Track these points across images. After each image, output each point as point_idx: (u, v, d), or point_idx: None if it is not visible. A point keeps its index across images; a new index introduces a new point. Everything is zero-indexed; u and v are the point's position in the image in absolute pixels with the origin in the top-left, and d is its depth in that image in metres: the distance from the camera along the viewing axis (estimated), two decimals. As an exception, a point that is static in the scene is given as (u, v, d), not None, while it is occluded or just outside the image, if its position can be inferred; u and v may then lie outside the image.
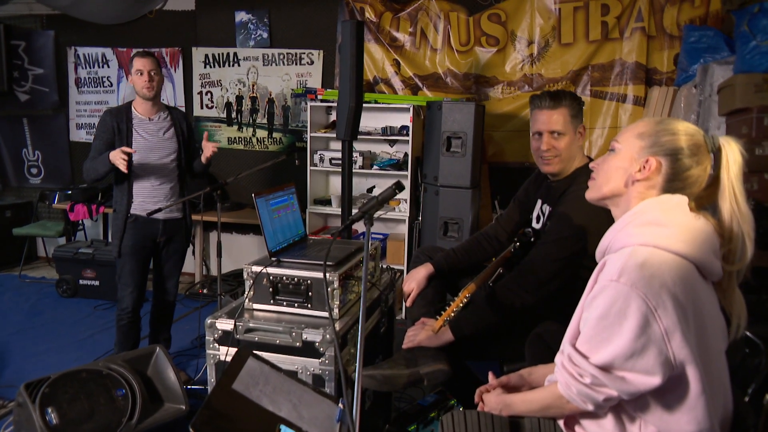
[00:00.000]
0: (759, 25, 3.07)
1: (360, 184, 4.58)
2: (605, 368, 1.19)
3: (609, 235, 1.31)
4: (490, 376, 1.59)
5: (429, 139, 3.89)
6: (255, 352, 1.77)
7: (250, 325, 2.01)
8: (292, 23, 4.67)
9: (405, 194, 4.34)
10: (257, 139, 4.84)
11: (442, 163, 3.74)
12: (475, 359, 2.15)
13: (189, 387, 2.94)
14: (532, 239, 2.15)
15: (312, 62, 4.65)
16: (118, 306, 2.96)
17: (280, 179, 4.72)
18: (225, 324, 2.02)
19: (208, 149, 2.89)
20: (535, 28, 4.17)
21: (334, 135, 4.38)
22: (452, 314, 1.78)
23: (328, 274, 2.02)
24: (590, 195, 1.41)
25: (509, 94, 4.30)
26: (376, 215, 4.33)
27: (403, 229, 4.44)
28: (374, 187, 4.64)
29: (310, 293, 2.06)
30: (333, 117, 4.59)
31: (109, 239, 5.14)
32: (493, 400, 1.49)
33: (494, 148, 4.39)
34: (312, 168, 4.39)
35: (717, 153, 1.27)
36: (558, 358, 1.31)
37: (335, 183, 4.68)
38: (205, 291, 4.57)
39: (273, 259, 2.15)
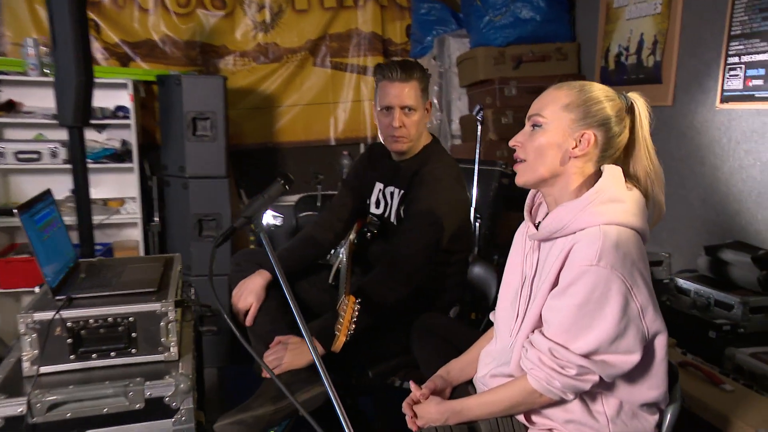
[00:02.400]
0: (490, 1, 3.63)
1: (65, 184, 3.83)
2: (588, 355, 1.26)
3: (565, 215, 1.33)
4: (413, 385, 1.55)
5: (166, 121, 3.50)
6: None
7: (54, 398, 1.53)
8: None
9: (132, 191, 3.83)
10: None
11: (188, 150, 3.41)
12: (337, 369, 2.06)
13: None
14: (377, 229, 2.15)
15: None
16: None
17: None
18: (8, 407, 1.49)
19: None
20: (266, -10, 4.10)
21: (15, 120, 3.58)
22: (352, 328, 1.66)
23: (160, 305, 1.68)
24: (524, 179, 1.41)
25: (243, 66, 4.15)
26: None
27: (133, 234, 3.92)
28: (80, 185, 3.95)
29: (133, 334, 1.67)
30: (5, 95, 3.70)
31: None
32: (433, 410, 1.45)
33: (232, 129, 4.19)
34: (-13, 167, 3.50)
35: (631, 111, 1.38)
36: (533, 353, 1.32)
37: (21, 185, 3.82)
38: None
39: (59, 298, 1.67)
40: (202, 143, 3.42)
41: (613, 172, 1.36)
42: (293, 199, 4.11)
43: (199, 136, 3.42)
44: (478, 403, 1.43)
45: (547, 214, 1.50)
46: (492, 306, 2.58)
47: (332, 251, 2.26)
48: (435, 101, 4.00)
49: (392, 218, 2.10)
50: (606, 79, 3.43)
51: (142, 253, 3.84)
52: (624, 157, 1.42)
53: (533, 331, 1.38)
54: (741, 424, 1.65)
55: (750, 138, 2.66)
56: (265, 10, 4.13)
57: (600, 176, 1.39)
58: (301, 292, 2.15)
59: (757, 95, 2.60)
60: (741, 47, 2.65)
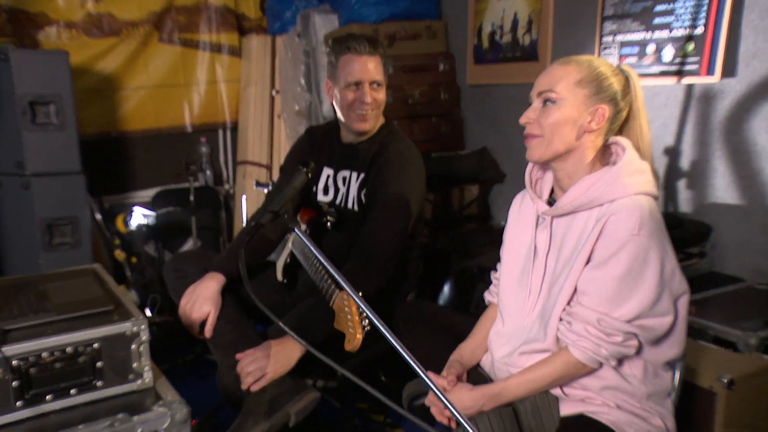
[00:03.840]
0: (359, -24, 3.62)
1: None
2: (631, 321, 1.36)
3: (597, 188, 1.39)
4: (433, 375, 1.53)
5: (-10, 107, 2.96)
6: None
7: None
8: None
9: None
10: None
11: (27, 142, 2.94)
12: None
13: None
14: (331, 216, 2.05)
15: None
16: None
17: None
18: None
19: None
20: (91, -50, 3.64)
21: None
22: (366, 323, 1.55)
23: (131, 324, 1.43)
24: (539, 154, 1.46)
25: (72, 41, 3.65)
26: None
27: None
28: None
29: (99, 363, 1.41)
30: None
31: None
32: (465, 398, 1.46)
33: (61, 115, 3.67)
34: None
35: (627, 83, 1.49)
36: (578, 326, 1.38)
37: None
38: None
39: (-12, 331, 1.35)
40: (46, 132, 2.97)
41: (629, 144, 1.47)
42: (147, 194, 3.75)
43: (40, 124, 2.96)
44: (518, 383, 1.46)
45: (553, 189, 1.58)
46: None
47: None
48: (303, 82, 3.90)
49: (350, 205, 2.03)
50: (481, 57, 3.63)
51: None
52: (619, 129, 1.52)
53: (569, 304, 1.44)
54: (702, 371, 1.87)
55: (626, 111, 3.01)
56: (93, -27, 3.66)
57: (607, 149, 1.50)
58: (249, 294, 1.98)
59: (631, 72, 2.94)
60: (614, 27, 2.98)
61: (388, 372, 2.28)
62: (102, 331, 1.40)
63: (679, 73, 2.73)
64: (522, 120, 1.49)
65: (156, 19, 3.84)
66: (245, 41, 4.09)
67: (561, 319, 1.44)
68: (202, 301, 1.78)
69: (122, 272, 3.36)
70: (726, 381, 1.81)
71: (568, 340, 1.41)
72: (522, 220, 1.63)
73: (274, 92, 4.03)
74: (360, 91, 1.95)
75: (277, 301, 2.00)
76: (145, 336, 1.45)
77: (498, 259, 1.72)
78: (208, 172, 4.01)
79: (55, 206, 3.00)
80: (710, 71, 2.61)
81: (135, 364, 1.45)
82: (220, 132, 4.14)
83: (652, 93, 2.88)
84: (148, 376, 1.47)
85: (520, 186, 2.83)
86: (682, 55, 2.71)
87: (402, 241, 1.92)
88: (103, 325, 1.41)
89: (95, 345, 1.39)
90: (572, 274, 1.42)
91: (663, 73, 2.80)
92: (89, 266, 1.86)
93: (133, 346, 1.44)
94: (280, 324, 1.22)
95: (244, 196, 3.50)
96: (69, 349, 1.37)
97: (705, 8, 2.61)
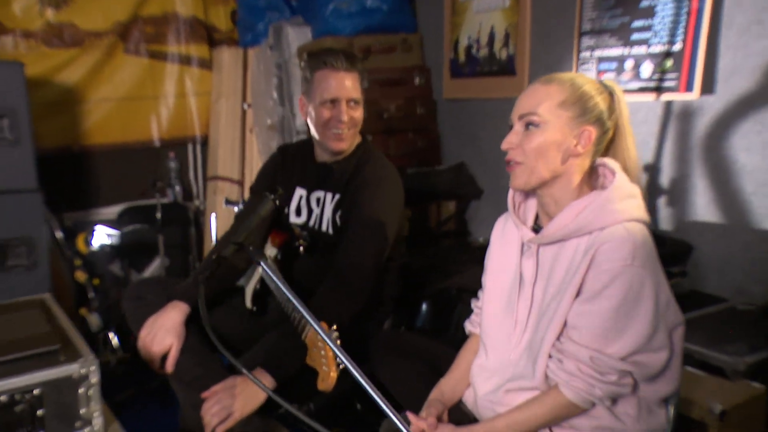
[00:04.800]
0: (334, -12, 3.50)
1: None
2: (626, 358, 1.24)
3: (587, 215, 1.29)
4: (412, 416, 1.40)
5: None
6: None
7: None
8: None
9: None
10: None
11: (-21, 158, 2.75)
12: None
13: None
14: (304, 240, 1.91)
15: None
16: None
17: None
18: None
19: None
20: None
21: None
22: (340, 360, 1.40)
23: (79, 366, 1.27)
24: (523, 182, 1.35)
25: (30, 51, 3.47)
26: None
27: None
28: None
29: (39, 412, 1.24)
30: None
31: None
32: None
33: (20, 129, 3.47)
34: None
35: (612, 100, 1.38)
36: (570, 364, 1.27)
37: None
38: None
39: None
40: (-1, 148, 2.78)
41: (618, 166, 1.36)
42: (113, 211, 3.56)
43: (-8, 139, 2.77)
44: (505, 424, 1.34)
45: (538, 215, 1.46)
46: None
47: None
48: (275, 95, 3.75)
49: (324, 227, 1.90)
50: (457, 71, 3.53)
51: None
52: (605, 149, 1.41)
53: (558, 339, 1.32)
54: (691, 400, 1.77)
55: (605, 127, 2.93)
56: (52, -20, 3.49)
57: (593, 171, 1.39)
58: (217, 322, 1.83)
59: (610, 87, 2.86)
60: (592, 42, 2.90)
61: (364, 400, 2.14)
62: (44, 375, 1.24)
63: (658, 90, 2.66)
64: (504, 146, 1.38)
65: (122, 30, 3.68)
66: (216, 53, 3.95)
67: (551, 356, 1.32)
68: (163, 333, 1.63)
69: (85, 294, 3.17)
70: (717, 412, 1.72)
71: (559, 379, 1.29)
72: (506, 245, 1.51)
73: (245, 106, 3.88)
74: (336, 109, 1.84)
75: (245, 329, 1.86)
76: (95, 378, 1.29)
77: (477, 278, 1.59)
78: (177, 188, 3.84)
79: (8, 226, 2.81)
80: (689, 88, 2.53)
81: (83, 410, 1.29)
82: (190, 146, 3.99)
83: (631, 109, 2.73)
84: (98, 422, 1.31)
85: (498, 202, 2.68)
86: (661, 72, 2.64)
87: (378, 264, 1.81)
88: (46, 368, 1.25)
89: (35, 391, 1.23)
90: (561, 308, 1.31)
91: (642, 89, 2.72)
92: (38, 297, 1.68)
93: (81, 390, 1.28)
94: (243, 371, 1.07)
95: (213, 215, 3.33)
96: (3, 398, 1.20)
97: (683, 25, 2.54)
